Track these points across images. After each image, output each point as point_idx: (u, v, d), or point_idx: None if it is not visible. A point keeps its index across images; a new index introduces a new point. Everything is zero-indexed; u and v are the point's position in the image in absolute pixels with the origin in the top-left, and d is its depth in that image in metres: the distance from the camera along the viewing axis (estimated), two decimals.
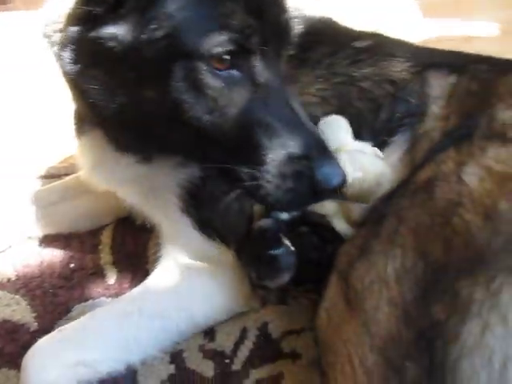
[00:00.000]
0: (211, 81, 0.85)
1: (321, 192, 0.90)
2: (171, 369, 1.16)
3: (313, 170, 0.88)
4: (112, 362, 1.10)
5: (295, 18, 1.23)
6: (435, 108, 1.15)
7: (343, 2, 2.90)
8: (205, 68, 0.84)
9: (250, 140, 0.88)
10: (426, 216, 0.85)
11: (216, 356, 1.18)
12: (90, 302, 1.34)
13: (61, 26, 0.94)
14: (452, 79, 1.16)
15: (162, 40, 0.82)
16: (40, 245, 1.55)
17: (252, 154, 0.88)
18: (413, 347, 0.76)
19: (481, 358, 0.72)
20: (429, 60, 1.23)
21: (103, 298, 1.34)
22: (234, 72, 0.87)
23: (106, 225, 1.58)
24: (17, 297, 1.41)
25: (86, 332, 1.12)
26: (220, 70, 0.85)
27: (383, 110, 1.18)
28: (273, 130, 0.88)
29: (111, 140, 1.05)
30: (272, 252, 1.05)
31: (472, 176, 0.86)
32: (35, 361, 1.06)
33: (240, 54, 0.85)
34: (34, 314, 1.35)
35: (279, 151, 0.88)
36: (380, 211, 0.93)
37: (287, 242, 1.06)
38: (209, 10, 0.83)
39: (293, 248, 1.06)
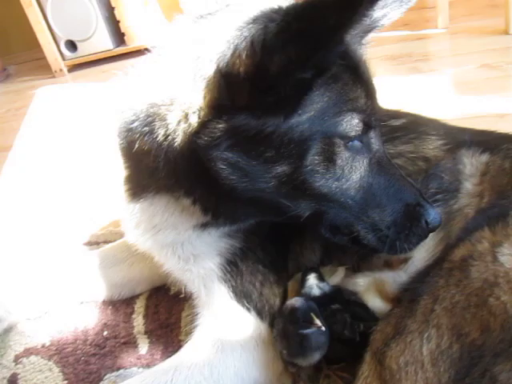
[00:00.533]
0: (343, 153, 0.97)
1: (430, 230, 1.05)
2: None
3: (425, 214, 1.03)
4: None
5: None
6: (468, 185, 1.16)
7: (380, 81, 3.01)
8: (341, 143, 0.97)
9: (372, 199, 1.02)
10: (462, 296, 0.85)
11: None
12: (122, 371, 1.34)
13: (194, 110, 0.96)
14: (485, 158, 1.18)
15: (305, 123, 0.92)
16: (75, 311, 1.57)
17: (373, 210, 1.02)
18: None
19: None
20: (461, 138, 1.26)
21: (134, 368, 1.34)
22: (357, 143, 1.00)
23: (140, 294, 1.60)
24: (50, 363, 1.42)
25: None
26: (347, 143, 0.98)
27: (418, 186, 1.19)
28: (389, 186, 1.03)
29: (205, 208, 1.09)
30: (303, 331, 1.05)
31: (508, 256, 0.86)
32: None
33: (363, 129, 0.99)
34: (65, 382, 1.35)
35: (397, 202, 1.03)
36: (415, 290, 0.93)
37: (319, 321, 1.05)
38: (340, 95, 0.95)
39: (324, 328, 1.05)
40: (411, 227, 1.03)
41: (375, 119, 1.03)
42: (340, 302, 1.10)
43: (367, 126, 1.01)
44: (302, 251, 1.22)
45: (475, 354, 0.78)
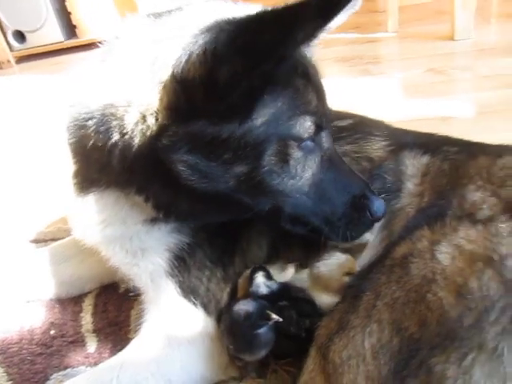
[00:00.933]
0: (297, 153, 1.03)
1: (375, 220, 1.13)
2: None
3: (370, 205, 1.11)
4: None
5: None
6: (410, 185, 1.21)
7: (332, 82, 3.07)
8: (294, 145, 1.02)
9: (324, 193, 1.09)
10: (402, 292, 0.88)
11: None
12: (69, 370, 1.32)
13: (151, 112, 0.97)
14: (425, 159, 1.24)
15: (260, 127, 0.96)
16: (21, 310, 1.54)
17: (325, 204, 1.10)
18: None
19: None
20: (404, 140, 1.31)
21: (82, 367, 1.32)
22: (309, 143, 1.05)
23: (89, 292, 1.58)
24: None
25: None
26: (301, 144, 1.03)
27: None
28: (338, 181, 1.11)
29: (157, 206, 1.10)
30: (256, 331, 1.07)
31: (445, 254, 0.90)
32: None
33: (315, 130, 1.04)
34: (10, 382, 1.32)
35: (346, 195, 1.11)
36: (358, 286, 0.96)
37: (275, 315, 1.07)
38: (292, 100, 0.99)
39: (281, 319, 1.07)
40: (359, 217, 1.12)
41: (326, 120, 1.09)
42: (287, 299, 1.13)
43: (319, 127, 1.06)
44: (248, 247, 1.24)
45: (413, 347, 0.82)
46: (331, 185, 1.10)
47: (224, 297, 1.19)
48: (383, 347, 0.84)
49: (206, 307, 1.18)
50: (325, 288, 1.13)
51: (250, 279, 1.14)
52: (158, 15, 1.09)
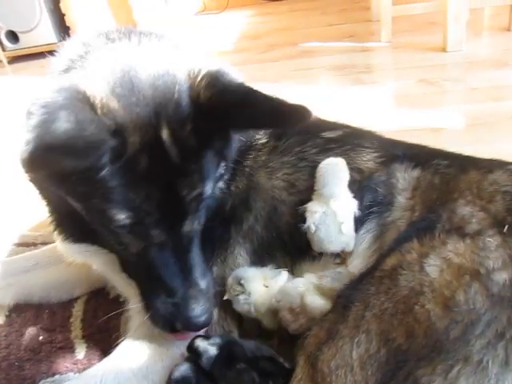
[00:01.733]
0: (120, 231, 1.05)
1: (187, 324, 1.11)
2: None
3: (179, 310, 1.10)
4: None
5: None
6: (401, 199, 1.21)
7: (323, 91, 3.10)
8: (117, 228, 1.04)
9: (147, 276, 1.11)
10: (391, 303, 0.90)
11: None
12: (57, 376, 1.32)
13: None
14: (416, 173, 1.23)
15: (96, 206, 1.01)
16: (9, 315, 1.53)
17: (148, 285, 1.13)
18: None
19: None
20: (394, 152, 1.31)
21: (71, 374, 1.32)
22: (132, 235, 1.06)
23: (79, 297, 1.58)
24: None
25: None
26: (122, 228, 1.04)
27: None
28: (159, 277, 1.09)
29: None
30: None
31: (433, 267, 0.91)
32: None
33: (137, 226, 1.03)
34: None
35: (159, 294, 1.10)
36: (348, 296, 0.97)
37: None
38: (126, 193, 0.99)
39: None
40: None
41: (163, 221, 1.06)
42: (244, 361, 1.10)
43: (141, 224, 1.04)
44: (229, 256, 1.27)
45: (400, 359, 0.83)
46: (151, 276, 1.10)
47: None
48: (371, 358, 0.85)
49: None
50: (323, 295, 1.13)
51: (195, 353, 1.12)
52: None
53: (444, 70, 3.18)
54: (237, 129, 1.11)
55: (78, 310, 1.53)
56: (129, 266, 1.16)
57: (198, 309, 1.09)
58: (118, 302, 1.47)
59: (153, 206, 1.00)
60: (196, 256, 1.12)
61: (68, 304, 1.56)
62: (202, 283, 1.11)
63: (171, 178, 1.00)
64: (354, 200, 1.22)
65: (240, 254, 1.26)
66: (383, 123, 2.41)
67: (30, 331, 1.48)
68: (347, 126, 1.44)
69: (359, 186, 1.24)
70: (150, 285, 1.11)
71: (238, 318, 1.26)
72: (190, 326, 1.11)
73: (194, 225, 1.09)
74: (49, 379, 1.32)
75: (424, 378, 0.80)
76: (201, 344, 1.11)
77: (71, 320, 1.50)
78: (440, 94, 2.84)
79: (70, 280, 1.56)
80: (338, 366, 0.86)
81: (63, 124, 0.82)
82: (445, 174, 1.21)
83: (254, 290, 1.20)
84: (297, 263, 1.26)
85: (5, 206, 2.21)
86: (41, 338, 1.45)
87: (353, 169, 1.27)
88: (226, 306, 1.23)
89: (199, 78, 1.02)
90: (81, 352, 1.39)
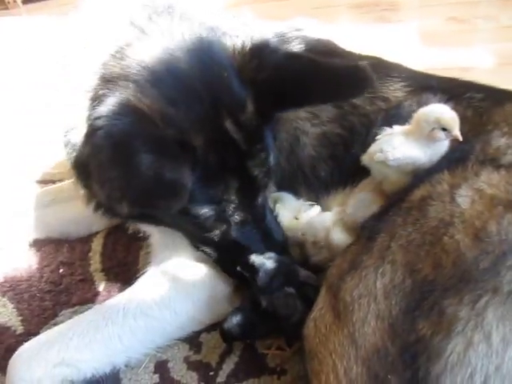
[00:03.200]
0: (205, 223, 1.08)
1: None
2: (155, 378, 1.16)
3: None
4: (96, 362, 1.10)
5: (296, 37, 1.27)
6: None
7: (344, 30, 2.97)
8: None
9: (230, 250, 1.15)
10: (418, 234, 0.87)
11: (201, 368, 1.17)
12: (77, 307, 1.34)
13: None
14: (449, 106, 1.18)
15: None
16: (30, 249, 1.54)
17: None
18: (397, 361, 0.78)
19: (462, 375, 0.74)
20: (425, 83, 1.26)
21: (91, 305, 1.34)
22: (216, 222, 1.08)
23: (98, 232, 1.58)
24: (4, 299, 1.41)
25: (70, 332, 1.11)
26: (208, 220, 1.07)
27: (376, 126, 1.20)
28: (243, 248, 1.13)
29: None
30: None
31: (465, 198, 0.88)
32: (21, 361, 1.06)
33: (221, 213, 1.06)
34: (20, 318, 1.34)
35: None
36: (373, 227, 0.94)
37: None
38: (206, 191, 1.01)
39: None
40: None
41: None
42: (295, 284, 1.12)
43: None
44: None
45: (426, 289, 0.81)
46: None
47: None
48: (395, 288, 0.82)
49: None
50: (346, 229, 1.12)
51: (252, 268, 1.12)
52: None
53: (475, 8, 3.01)
54: (299, 105, 1.10)
55: (97, 245, 1.53)
56: (206, 243, 1.16)
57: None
58: (136, 238, 1.47)
59: (232, 193, 1.02)
60: (270, 216, 1.17)
61: (87, 239, 1.56)
62: (279, 238, 1.17)
63: (242, 163, 1.02)
64: None
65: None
66: (409, 62, 2.30)
67: (51, 264, 1.49)
68: (374, 57, 1.37)
69: (385, 114, 1.19)
70: (233, 255, 1.14)
71: None
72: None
73: (265, 193, 1.13)
74: (69, 310, 1.34)
75: (450, 307, 0.77)
76: (256, 259, 1.12)
77: (90, 254, 1.50)
78: (470, 33, 2.70)
79: (88, 216, 1.55)
80: (360, 295, 0.84)
81: (143, 159, 0.84)
82: (478, 108, 1.16)
83: (282, 215, 1.20)
84: (320, 198, 1.25)
85: (26, 146, 2.20)
86: (61, 270, 1.46)
87: (377, 97, 1.22)
88: None
89: (248, 58, 1.00)
90: (100, 284, 1.40)
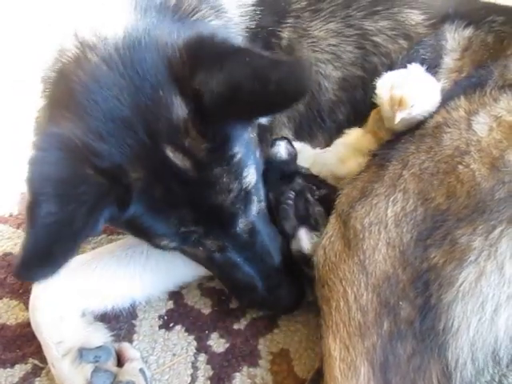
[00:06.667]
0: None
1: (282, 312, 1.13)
2: (170, 304, 1.19)
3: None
4: (117, 296, 1.12)
5: None
6: (449, 60, 1.13)
7: None
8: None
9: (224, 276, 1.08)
10: (432, 162, 0.84)
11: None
12: (91, 238, 1.31)
13: None
14: (468, 32, 1.13)
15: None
16: None
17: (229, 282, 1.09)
18: (408, 288, 0.78)
19: (474, 303, 0.75)
20: (444, 11, 1.18)
21: (103, 235, 1.33)
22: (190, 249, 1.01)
23: None
24: (19, 231, 1.42)
25: (94, 263, 1.12)
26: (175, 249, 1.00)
27: (397, 65, 1.14)
28: (234, 277, 1.04)
29: None
30: None
31: (482, 125, 0.85)
32: (44, 287, 1.07)
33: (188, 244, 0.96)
34: None
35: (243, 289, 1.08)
36: (384, 155, 0.92)
37: None
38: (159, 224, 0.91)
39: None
40: None
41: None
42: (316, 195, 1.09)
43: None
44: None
45: (439, 218, 0.80)
46: None
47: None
48: (407, 216, 0.81)
49: None
50: (353, 152, 1.08)
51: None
52: None
53: None
54: (249, 118, 0.91)
55: None
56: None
57: (284, 294, 1.05)
58: None
59: (190, 225, 0.90)
60: (264, 240, 1.03)
61: None
62: (278, 261, 1.04)
63: (195, 192, 0.87)
64: None
65: (285, 135, 1.20)
66: None
67: None
68: None
69: (407, 53, 1.14)
70: (231, 282, 1.07)
71: None
72: (287, 311, 1.11)
73: (249, 217, 0.97)
74: None
75: (463, 237, 0.77)
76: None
77: None
78: None
79: None
80: (371, 223, 0.84)
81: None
82: (500, 32, 1.10)
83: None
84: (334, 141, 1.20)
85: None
86: None
87: (399, 35, 1.16)
88: None
89: (186, 69, 0.81)
90: None
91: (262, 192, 1.03)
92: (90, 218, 0.76)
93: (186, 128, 0.82)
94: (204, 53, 0.82)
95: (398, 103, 0.94)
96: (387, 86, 1.00)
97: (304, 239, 1.04)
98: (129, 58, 0.84)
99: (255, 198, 0.98)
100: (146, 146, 0.83)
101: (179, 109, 0.82)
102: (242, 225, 0.95)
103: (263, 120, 1.11)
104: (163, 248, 0.96)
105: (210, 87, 0.77)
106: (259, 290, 1.03)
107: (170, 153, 0.83)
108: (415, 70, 1.03)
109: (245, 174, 0.91)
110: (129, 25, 0.88)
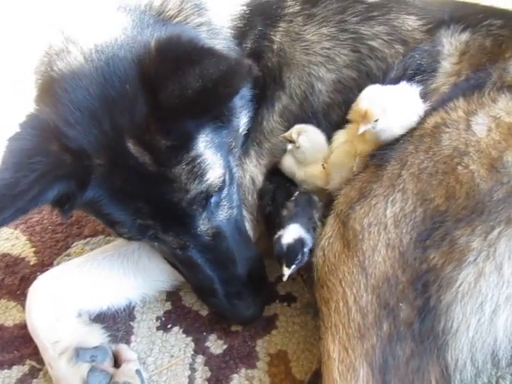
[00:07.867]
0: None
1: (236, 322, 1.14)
2: (167, 306, 1.19)
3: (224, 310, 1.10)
4: (112, 296, 1.13)
5: None
6: (446, 64, 1.12)
7: None
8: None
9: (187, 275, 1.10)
10: (430, 162, 0.84)
11: None
12: (89, 239, 1.36)
13: None
14: (465, 36, 1.13)
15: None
16: None
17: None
18: (408, 289, 0.78)
19: (473, 304, 0.75)
20: (441, 16, 1.18)
21: (101, 236, 1.35)
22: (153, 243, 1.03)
23: None
24: (16, 232, 1.42)
25: (87, 265, 1.13)
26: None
27: (393, 70, 1.15)
28: (194, 277, 1.07)
29: None
30: None
31: (481, 126, 0.85)
32: (39, 292, 1.08)
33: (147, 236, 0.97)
34: (33, 249, 1.37)
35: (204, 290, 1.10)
36: (383, 155, 0.92)
37: None
38: (117, 212, 0.93)
39: None
40: None
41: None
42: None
43: None
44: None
45: (438, 219, 0.80)
46: None
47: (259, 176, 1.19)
48: (406, 216, 0.81)
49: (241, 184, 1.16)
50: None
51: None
52: None
53: None
54: (200, 115, 0.90)
55: None
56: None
57: (241, 305, 1.06)
58: None
59: (147, 219, 0.92)
60: (229, 247, 1.03)
61: None
62: (242, 271, 1.05)
63: (153, 187, 0.89)
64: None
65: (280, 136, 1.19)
66: None
67: None
68: None
69: (402, 58, 1.14)
70: (193, 282, 1.09)
71: None
72: (240, 322, 1.11)
73: (214, 221, 0.98)
74: (81, 241, 1.36)
75: (462, 238, 0.77)
76: None
77: None
78: None
79: None
80: (370, 223, 0.84)
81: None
82: (498, 36, 1.10)
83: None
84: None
85: None
86: None
87: (396, 40, 1.16)
88: None
89: (152, 67, 0.85)
90: None
91: (234, 199, 1.04)
92: (36, 184, 0.79)
93: (147, 123, 0.86)
94: (169, 52, 0.86)
95: (363, 115, 0.97)
96: (361, 97, 1.03)
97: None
98: (105, 53, 0.89)
99: (225, 204, 1.01)
100: (108, 137, 0.87)
101: (142, 105, 0.85)
102: (203, 227, 0.97)
103: (242, 124, 1.11)
104: (123, 237, 0.99)
105: (165, 85, 0.82)
106: (219, 294, 1.04)
107: (131, 146, 0.86)
108: (401, 88, 1.05)
109: (207, 177, 0.92)
110: (110, 24, 0.94)
